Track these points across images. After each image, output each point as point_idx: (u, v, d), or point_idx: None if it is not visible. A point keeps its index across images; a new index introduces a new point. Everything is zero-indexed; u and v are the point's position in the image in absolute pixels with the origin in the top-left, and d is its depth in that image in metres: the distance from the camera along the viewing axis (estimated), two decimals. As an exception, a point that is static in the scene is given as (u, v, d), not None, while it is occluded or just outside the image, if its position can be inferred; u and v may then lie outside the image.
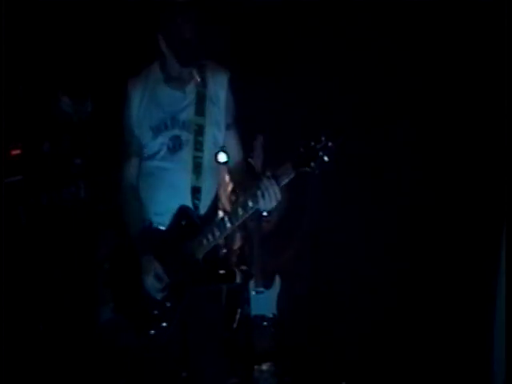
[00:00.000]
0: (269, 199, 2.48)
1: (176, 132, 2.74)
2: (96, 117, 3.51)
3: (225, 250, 2.77)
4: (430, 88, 3.52)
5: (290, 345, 3.89)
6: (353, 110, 3.65)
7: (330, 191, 3.82)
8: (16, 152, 3.41)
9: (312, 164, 2.40)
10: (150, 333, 2.70)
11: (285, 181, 2.46)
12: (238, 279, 2.76)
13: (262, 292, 3.90)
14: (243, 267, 3.90)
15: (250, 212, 2.53)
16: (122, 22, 3.66)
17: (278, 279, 3.92)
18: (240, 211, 2.55)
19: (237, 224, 2.60)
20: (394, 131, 3.63)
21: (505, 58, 3.03)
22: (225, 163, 2.72)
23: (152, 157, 2.76)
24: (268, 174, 2.48)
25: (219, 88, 2.77)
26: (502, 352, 3.00)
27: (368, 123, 3.67)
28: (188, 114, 2.74)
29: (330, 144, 2.38)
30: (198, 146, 2.73)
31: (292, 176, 2.45)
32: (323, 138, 2.39)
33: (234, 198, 3.13)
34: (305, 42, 3.86)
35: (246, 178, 2.79)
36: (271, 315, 3.88)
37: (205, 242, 2.63)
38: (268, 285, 3.91)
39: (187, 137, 2.73)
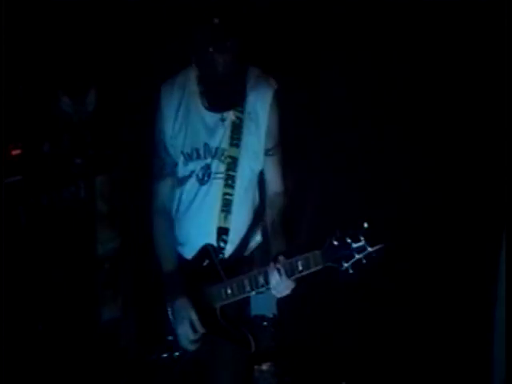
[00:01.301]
0: (279, 292, 2.31)
1: (208, 161, 2.50)
2: (98, 116, 3.50)
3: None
4: (430, 89, 3.51)
5: (290, 345, 3.89)
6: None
7: (330, 191, 3.82)
8: (16, 152, 3.40)
9: (344, 264, 2.19)
10: (161, 356, 2.60)
11: (301, 274, 2.26)
12: (253, 347, 2.52)
13: (261, 292, 3.90)
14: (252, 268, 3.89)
15: (264, 290, 2.34)
16: (124, 22, 3.66)
17: (277, 279, 3.92)
18: (261, 280, 2.34)
19: (255, 293, 2.40)
20: (394, 132, 3.63)
21: (505, 58, 3.03)
22: None
23: (180, 182, 2.55)
24: (280, 264, 2.23)
25: (261, 106, 2.46)
26: (501, 352, 2.99)
27: (367, 123, 3.67)
28: (221, 142, 2.48)
29: (369, 249, 2.17)
30: (230, 182, 2.48)
31: (319, 268, 2.24)
32: (362, 238, 2.16)
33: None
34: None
35: (278, 221, 2.51)
36: (271, 315, 3.88)
37: (223, 294, 2.45)
38: (268, 285, 3.91)
39: (217, 167, 2.49)
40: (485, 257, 3.29)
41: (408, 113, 3.59)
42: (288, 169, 2.65)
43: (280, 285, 2.31)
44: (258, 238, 2.72)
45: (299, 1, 3.60)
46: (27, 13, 3.52)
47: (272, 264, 2.32)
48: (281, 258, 2.32)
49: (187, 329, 2.48)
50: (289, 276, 2.31)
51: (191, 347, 2.52)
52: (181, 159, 2.57)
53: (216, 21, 2.30)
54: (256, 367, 3.81)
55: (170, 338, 2.57)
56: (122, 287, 3.38)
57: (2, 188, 3.23)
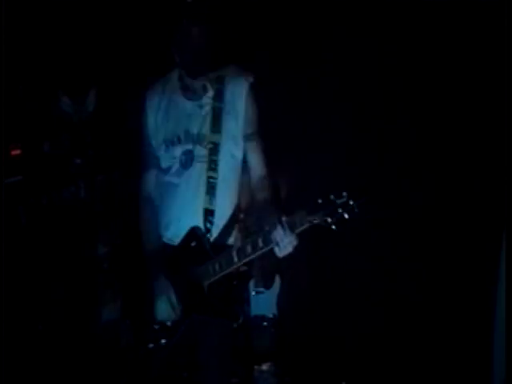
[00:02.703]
0: (284, 247, 2.36)
1: (189, 146, 2.64)
2: (98, 116, 3.50)
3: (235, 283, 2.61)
4: (430, 89, 3.52)
5: (290, 345, 3.89)
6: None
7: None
8: (16, 152, 3.41)
9: (328, 220, 2.25)
10: (148, 346, 2.67)
11: (299, 230, 2.33)
12: (241, 319, 2.59)
13: (262, 292, 3.90)
14: (243, 267, 3.90)
15: (260, 252, 2.42)
16: (124, 22, 3.66)
17: (277, 279, 3.92)
18: (249, 249, 2.44)
19: (244, 261, 2.48)
20: (394, 132, 3.63)
21: (505, 58, 3.03)
22: None
23: (165, 171, 2.68)
24: (283, 220, 2.33)
25: (238, 97, 2.63)
26: (502, 352, 2.99)
27: (367, 122, 3.67)
28: (202, 129, 2.63)
29: (351, 202, 2.22)
30: (213, 166, 2.60)
31: (306, 227, 2.32)
32: (344, 194, 2.22)
33: (249, 224, 2.84)
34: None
35: (269, 199, 2.60)
36: (271, 315, 3.89)
37: (211, 270, 2.53)
38: (268, 285, 3.91)
39: (200, 152, 2.62)
40: (485, 257, 3.29)
41: (407, 111, 3.59)
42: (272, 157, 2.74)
43: (283, 240, 2.34)
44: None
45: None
46: (27, 13, 3.52)
47: (276, 220, 2.37)
48: (283, 216, 2.39)
49: (166, 306, 2.59)
50: (292, 231, 2.34)
51: (168, 322, 2.61)
52: (163, 148, 2.69)
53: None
54: (256, 367, 3.82)
55: (156, 326, 2.63)
56: (122, 287, 3.39)
57: (2, 188, 3.23)
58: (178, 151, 2.65)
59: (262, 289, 3.89)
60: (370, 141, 3.61)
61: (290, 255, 2.39)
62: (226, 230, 2.68)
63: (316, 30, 3.73)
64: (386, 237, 3.66)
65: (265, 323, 3.87)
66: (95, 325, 3.43)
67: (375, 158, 3.57)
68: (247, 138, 2.65)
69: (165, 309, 2.61)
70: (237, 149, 2.65)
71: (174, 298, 2.60)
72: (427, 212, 3.54)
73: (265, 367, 3.84)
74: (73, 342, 3.43)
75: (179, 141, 2.65)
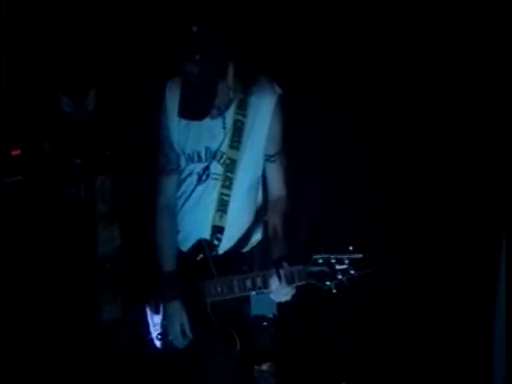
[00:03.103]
0: (279, 298, 2.34)
1: (207, 163, 2.52)
2: (98, 116, 3.50)
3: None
4: (430, 89, 3.52)
5: (290, 345, 3.89)
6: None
7: (330, 190, 3.82)
8: (16, 152, 3.40)
9: (327, 283, 2.24)
10: (157, 335, 2.65)
11: (296, 285, 2.30)
12: (238, 346, 2.53)
13: (262, 292, 3.90)
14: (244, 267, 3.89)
15: (258, 291, 2.40)
16: (124, 23, 3.66)
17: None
18: (249, 285, 2.40)
19: (244, 294, 2.45)
20: (394, 132, 3.63)
21: (505, 58, 3.03)
22: None
23: (181, 180, 2.58)
24: (281, 273, 2.28)
25: (263, 112, 2.46)
26: (502, 352, 2.99)
27: (367, 123, 3.67)
28: (222, 145, 2.49)
29: (352, 272, 2.21)
30: (227, 183, 2.49)
31: (304, 283, 2.28)
32: (347, 261, 2.20)
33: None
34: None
35: (284, 222, 2.51)
36: (271, 315, 3.88)
37: (213, 291, 2.49)
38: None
39: (216, 169, 2.50)
40: (485, 257, 3.29)
41: (409, 116, 3.59)
42: (290, 174, 2.66)
43: (280, 291, 2.33)
44: (258, 236, 2.74)
45: (304, 5, 3.61)
46: (28, 13, 3.52)
47: (273, 270, 2.34)
48: (285, 264, 2.34)
49: (178, 332, 2.54)
50: (289, 283, 2.32)
51: (181, 346, 2.58)
52: (182, 159, 2.59)
53: (194, 29, 2.33)
54: (256, 367, 3.82)
55: (165, 322, 2.62)
56: (122, 287, 3.39)
57: (2, 188, 3.23)
58: (197, 167, 2.55)
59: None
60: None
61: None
62: (240, 243, 2.62)
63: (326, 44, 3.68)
64: (386, 237, 3.66)
65: (265, 323, 3.87)
66: (95, 325, 3.43)
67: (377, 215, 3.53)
68: (269, 158, 2.53)
69: (177, 333, 2.55)
70: (256, 167, 2.54)
71: (186, 325, 2.53)
72: (427, 212, 3.54)
73: (265, 367, 3.84)
74: (73, 342, 3.42)
75: (199, 158, 2.54)
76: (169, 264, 2.60)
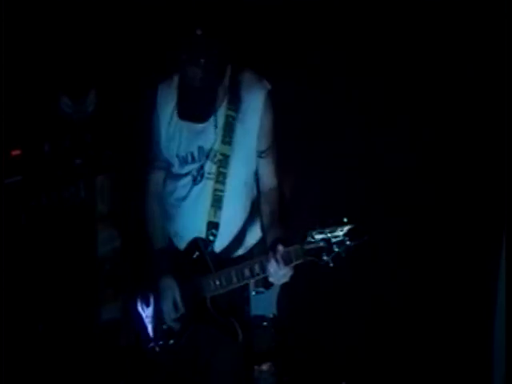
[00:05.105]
0: (278, 280, 2.37)
1: (202, 162, 2.56)
2: (98, 116, 3.50)
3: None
4: (430, 89, 3.52)
5: (290, 345, 3.89)
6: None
7: (330, 191, 3.82)
8: (16, 152, 3.41)
9: (325, 258, 2.27)
10: (157, 343, 2.67)
11: (294, 264, 2.33)
12: (240, 337, 2.57)
13: (262, 292, 3.89)
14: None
15: (257, 277, 2.43)
16: (124, 24, 3.66)
17: (277, 279, 3.92)
18: (247, 273, 2.44)
19: (243, 283, 2.49)
20: (394, 132, 3.63)
21: (505, 58, 3.03)
22: None
23: (175, 178, 2.62)
24: (278, 254, 2.32)
25: (253, 108, 2.51)
26: (502, 352, 3.00)
27: (367, 123, 3.68)
28: (214, 144, 2.54)
29: (348, 243, 2.23)
30: (221, 179, 2.53)
31: (301, 262, 2.32)
32: (341, 233, 2.22)
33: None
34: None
35: (275, 212, 2.58)
36: (271, 315, 3.88)
37: (212, 285, 2.53)
38: (268, 285, 3.91)
39: (210, 168, 2.55)
40: (485, 257, 3.29)
41: (407, 113, 3.59)
42: (281, 165, 2.70)
43: (278, 273, 2.35)
44: (257, 234, 2.75)
45: (294, 1, 3.63)
46: (28, 14, 3.52)
47: (270, 253, 2.36)
48: (279, 246, 2.37)
49: (170, 306, 2.58)
50: (286, 264, 2.35)
51: (174, 325, 2.60)
52: (176, 162, 2.63)
53: (199, 32, 2.39)
54: (256, 367, 3.81)
55: (165, 327, 2.63)
56: (122, 287, 3.39)
57: (2, 188, 3.23)
58: (192, 167, 2.58)
59: (261, 289, 3.88)
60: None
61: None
62: (232, 247, 2.65)
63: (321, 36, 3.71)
64: (386, 237, 3.66)
65: (265, 323, 3.86)
66: (95, 324, 3.44)
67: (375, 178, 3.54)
68: (260, 154, 2.58)
69: (169, 306, 2.60)
70: (249, 162, 2.59)
71: (178, 297, 2.59)
72: (427, 212, 3.54)
73: (265, 367, 3.84)
74: (73, 342, 3.43)
75: (193, 159, 2.58)
76: (159, 242, 2.67)
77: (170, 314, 2.61)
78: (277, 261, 2.33)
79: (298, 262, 2.35)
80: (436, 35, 3.44)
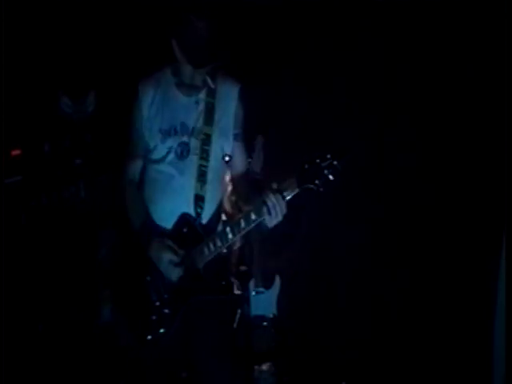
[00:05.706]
0: (275, 215, 2.48)
1: (185, 139, 2.75)
2: (98, 116, 3.50)
3: (225, 251, 2.74)
4: (430, 89, 3.52)
5: (290, 345, 3.89)
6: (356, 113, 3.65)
7: (330, 191, 3.82)
8: (16, 152, 3.41)
9: (316, 181, 2.41)
10: (147, 338, 2.70)
11: (290, 196, 2.47)
12: (236, 290, 2.70)
13: (262, 292, 3.90)
14: (243, 267, 3.90)
15: (253, 225, 2.53)
16: (128, 22, 3.67)
17: (277, 279, 3.92)
18: (242, 223, 2.55)
19: (239, 235, 2.61)
20: (395, 132, 3.63)
21: (505, 57, 3.03)
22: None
23: (159, 161, 2.76)
24: (274, 187, 2.48)
25: (229, 99, 2.78)
26: (502, 352, 3.00)
27: (368, 124, 3.68)
28: (197, 122, 2.76)
29: (335, 163, 2.39)
30: (204, 155, 2.74)
31: (296, 192, 2.46)
32: (328, 156, 2.40)
33: (237, 209, 3.11)
34: (308, 47, 3.84)
35: (249, 190, 2.79)
36: (271, 315, 3.88)
37: (206, 251, 2.63)
38: (268, 285, 3.91)
39: (195, 144, 2.74)
40: (485, 257, 3.29)
41: (407, 113, 3.60)
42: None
43: (276, 207, 2.46)
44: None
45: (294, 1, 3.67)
46: (28, 14, 3.52)
47: (267, 190, 2.50)
48: (273, 184, 2.52)
49: (169, 255, 2.64)
50: (283, 198, 2.48)
51: (176, 273, 2.65)
52: (158, 137, 2.77)
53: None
54: (256, 367, 3.82)
55: (154, 317, 2.66)
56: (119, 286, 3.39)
57: (2, 188, 3.23)
58: (174, 142, 2.74)
59: (261, 289, 3.89)
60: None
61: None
62: (215, 217, 2.78)
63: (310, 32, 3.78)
64: (386, 237, 3.67)
65: (265, 323, 3.87)
66: (95, 325, 3.44)
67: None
68: (234, 136, 2.80)
69: (165, 264, 2.65)
70: (226, 144, 2.78)
71: (173, 244, 2.65)
72: (427, 212, 3.54)
73: (265, 367, 3.84)
74: (73, 342, 3.43)
75: (175, 132, 2.75)
76: (140, 219, 2.77)
77: (171, 260, 2.65)
78: (274, 193, 2.45)
79: (294, 193, 2.47)
80: (436, 36, 3.45)
